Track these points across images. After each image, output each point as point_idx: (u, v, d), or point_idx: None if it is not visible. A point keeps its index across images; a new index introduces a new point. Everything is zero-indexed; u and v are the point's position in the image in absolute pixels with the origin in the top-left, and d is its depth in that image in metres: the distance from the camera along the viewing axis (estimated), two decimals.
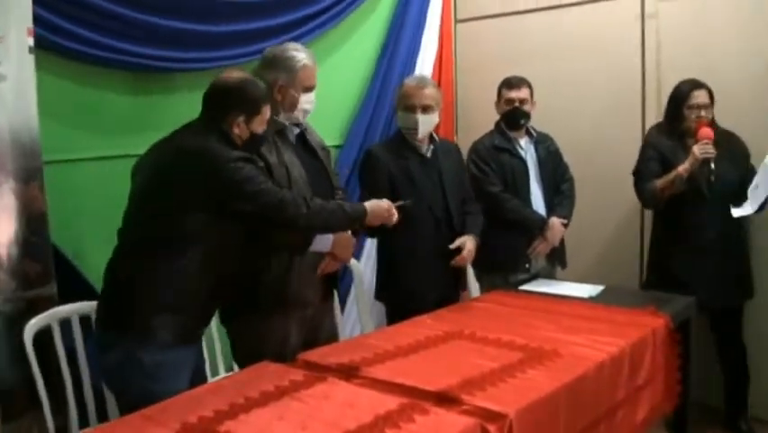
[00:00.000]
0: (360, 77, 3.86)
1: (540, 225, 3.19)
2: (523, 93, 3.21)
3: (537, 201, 3.26)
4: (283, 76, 2.38)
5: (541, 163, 3.28)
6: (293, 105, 2.40)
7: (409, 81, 2.94)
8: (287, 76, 2.38)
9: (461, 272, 3.00)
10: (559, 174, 3.32)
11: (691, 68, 3.34)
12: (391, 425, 1.67)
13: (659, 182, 3.08)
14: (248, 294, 2.34)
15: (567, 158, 3.40)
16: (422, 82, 2.91)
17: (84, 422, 2.40)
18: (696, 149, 2.94)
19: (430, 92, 2.86)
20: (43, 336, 2.32)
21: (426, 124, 2.84)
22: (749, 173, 2.96)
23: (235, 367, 2.67)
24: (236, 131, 2.17)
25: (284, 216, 2.13)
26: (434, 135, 2.97)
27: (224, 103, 2.17)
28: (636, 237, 3.69)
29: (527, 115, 3.23)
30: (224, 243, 2.15)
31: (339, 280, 2.57)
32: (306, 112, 2.44)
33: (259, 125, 2.21)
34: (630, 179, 3.62)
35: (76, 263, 2.66)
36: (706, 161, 2.92)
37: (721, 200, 2.96)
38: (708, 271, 3.02)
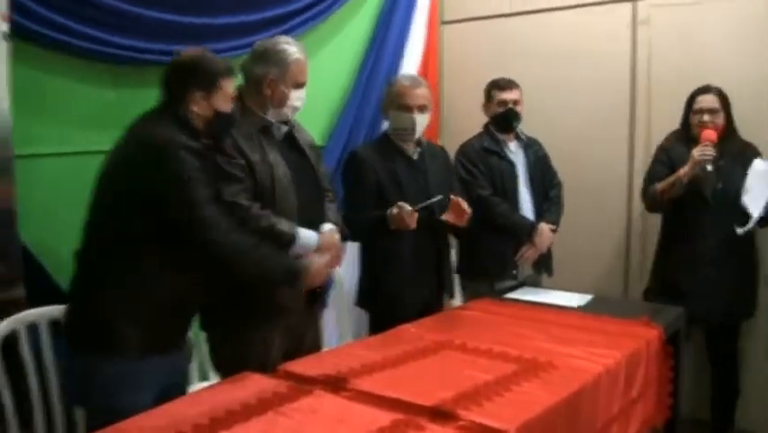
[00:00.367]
0: (344, 76, 3.76)
1: (529, 231, 3.13)
2: (515, 94, 3.15)
3: (526, 206, 3.19)
4: (274, 70, 2.27)
5: (530, 168, 3.22)
6: (283, 101, 2.29)
7: (403, 80, 2.85)
8: (278, 70, 2.27)
9: (446, 279, 2.91)
10: (548, 180, 3.26)
11: (683, 76, 3.32)
12: None
13: (659, 185, 3.03)
14: (230, 300, 2.23)
15: (553, 164, 3.34)
16: (416, 81, 2.83)
17: None
18: (695, 151, 2.90)
19: (425, 91, 2.79)
20: (10, 343, 2.18)
21: (422, 124, 2.77)
22: None
23: (212, 376, 2.57)
24: (196, 109, 2.04)
25: (201, 237, 1.98)
26: (421, 138, 2.88)
27: (181, 81, 2.05)
28: (623, 245, 3.64)
29: (519, 118, 3.17)
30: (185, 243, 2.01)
31: (327, 288, 2.45)
32: (295, 109, 2.34)
33: (222, 102, 2.07)
34: (617, 187, 3.60)
35: (46, 264, 2.51)
36: (704, 164, 2.87)
37: (726, 208, 2.91)
38: (707, 282, 2.95)
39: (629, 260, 3.63)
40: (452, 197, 2.71)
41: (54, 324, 2.27)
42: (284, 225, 2.19)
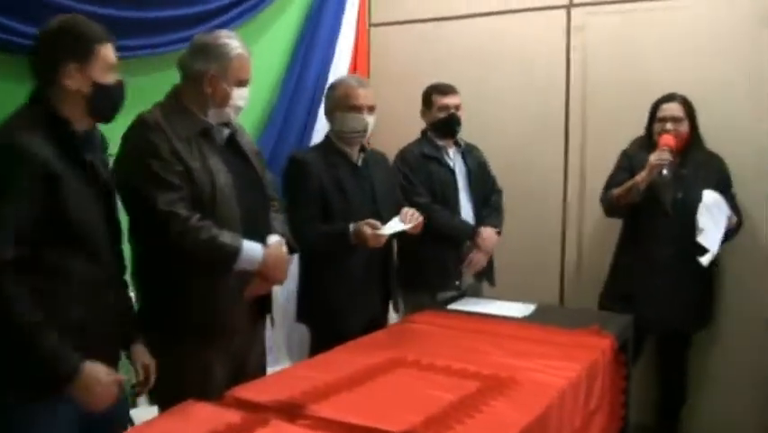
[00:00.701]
0: (273, 76, 3.57)
1: (471, 235, 3.04)
2: (457, 99, 3.08)
3: (466, 213, 3.12)
4: (214, 66, 2.06)
5: (470, 174, 3.15)
6: (225, 99, 2.09)
7: (349, 81, 2.72)
8: (218, 66, 2.06)
9: (392, 292, 2.78)
10: (488, 186, 3.19)
11: (619, 81, 3.36)
12: None
13: (617, 190, 3.02)
14: (164, 321, 2.01)
15: (492, 170, 3.28)
16: (362, 82, 2.72)
17: None
18: (652, 156, 2.90)
19: (371, 92, 2.67)
20: None
21: (372, 125, 2.63)
22: (724, 196, 2.93)
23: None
24: (69, 83, 1.72)
25: None
26: (365, 144, 2.74)
27: (49, 53, 1.74)
28: (557, 252, 3.62)
29: (460, 123, 3.08)
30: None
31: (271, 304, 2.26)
32: (238, 109, 2.14)
33: (101, 72, 1.75)
34: (552, 193, 3.58)
35: None
36: (660, 168, 2.87)
37: (685, 218, 2.91)
38: (661, 290, 2.95)
39: (564, 267, 3.61)
40: (404, 208, 2.58)
41: None
42: (226, 237, 1.99)
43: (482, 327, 2.63)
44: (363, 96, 2.62)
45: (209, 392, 1.93)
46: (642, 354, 3.05)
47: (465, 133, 3.22)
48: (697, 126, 3.03)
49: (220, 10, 3.13)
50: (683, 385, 3.17)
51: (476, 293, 3.18)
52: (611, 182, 3.11)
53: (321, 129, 3.55)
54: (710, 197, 2.88)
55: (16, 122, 1.72)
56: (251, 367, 2.20)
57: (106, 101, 1.79)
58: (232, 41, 2.10)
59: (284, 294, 3.05)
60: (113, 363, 1.84)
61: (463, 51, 3.75)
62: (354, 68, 3.89)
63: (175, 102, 2.06)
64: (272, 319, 2.28)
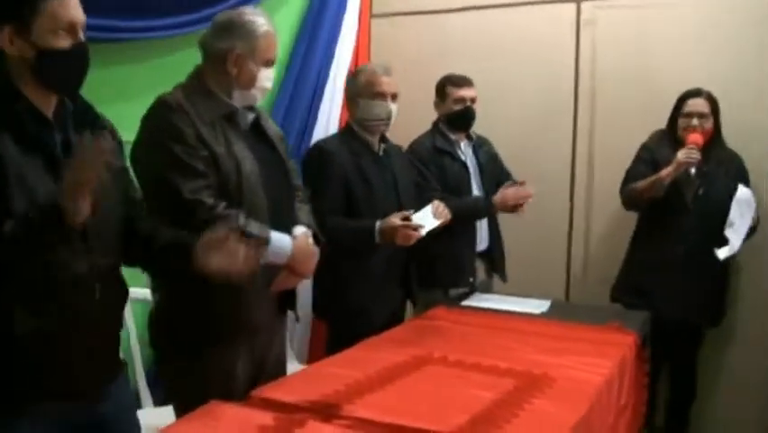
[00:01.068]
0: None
1: (484, 203, 2.94)
2: (473, 91, 2.98)
3: None
4: (240, 44, 1.93)
5: (482, 168, 3.07)
6: (251, 81, 1.96)
7: (373, 67, 2.63)
8: (244, 44, 1.93)
9: (412, 289, 2.70)
10: (502, 180, 3.10)
11: (628, 76, 3.31)
12: None
13: (640, 184, 2.96)
14: (187, 317, 1.90)
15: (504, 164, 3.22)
16: (386, 69, 2.62)
17: None
18: (680, 154, 2.84)
19: (395, 79, 2.59)
20: None
21: (396, 114, 2.54)
22: None
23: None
24: (10, 49, 1.44)
25: None
26: (384, 134, 2.65)
27: None
28: (564, 246, 3.57)
29: (475, 116, 3.00)
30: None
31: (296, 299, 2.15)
32: (264, 91, 2.01)
33: (49, 35, 1.44)
34: (559, 187, 3.52)
35: None
36: (688, 167, 2.83)
37: (704, 214, 2.87)
38: (673, 287, 2.88)
39: (570, 261, 3.56)
40: (434, 201, 2.52)
41: None
42: (254, 227, 1.88)
43: (502, 323, 2.57)
44: (387, 83, 2.54)
45: (232, 393, 1.84)
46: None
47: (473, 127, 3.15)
48: (720, 123, 2.98)
49: None
50: (693, 383, 3.13)
51: (487, 289, 3.11)
52: (630, 175, 3.04)
53: (322, 125, 3.49)
54: (744, 192, 2.84)
55: None
56: (270, 366, 2.07)
57: (54, 69, 1.46)
58: (258, 17, 1.97)
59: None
60: None
61: (468, 44, 3.66)
62: (356, 59, 3.79)
63: (197, 83, 1.94)
64: (297, 315, 2.18)
